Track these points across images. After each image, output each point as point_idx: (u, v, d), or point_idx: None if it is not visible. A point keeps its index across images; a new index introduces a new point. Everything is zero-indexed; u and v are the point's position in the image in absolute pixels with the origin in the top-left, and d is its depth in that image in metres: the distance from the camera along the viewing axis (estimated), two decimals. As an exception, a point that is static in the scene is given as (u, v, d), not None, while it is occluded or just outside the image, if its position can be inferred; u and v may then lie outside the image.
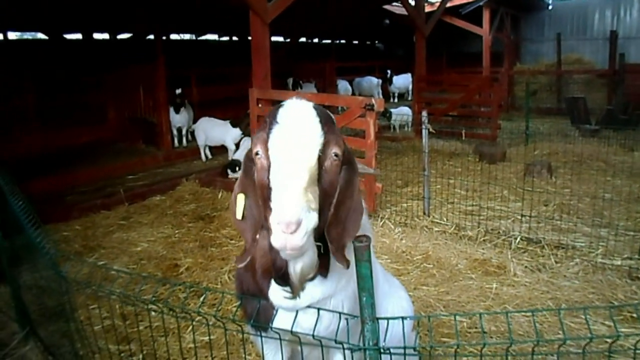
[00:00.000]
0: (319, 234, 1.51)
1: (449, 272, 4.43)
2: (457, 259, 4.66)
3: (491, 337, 3.37)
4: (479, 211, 5.65)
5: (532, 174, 7.15)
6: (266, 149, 1.48)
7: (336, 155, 1.51)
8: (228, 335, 3.38)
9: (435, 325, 3.54)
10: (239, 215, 1.61)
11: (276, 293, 1.69)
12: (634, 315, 3.44)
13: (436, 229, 5.38)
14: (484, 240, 5.05)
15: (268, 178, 1.45)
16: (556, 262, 4.53)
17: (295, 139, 1.44)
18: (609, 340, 2.96)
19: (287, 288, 1.63)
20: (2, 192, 3.13)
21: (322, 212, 1.48)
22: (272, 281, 1.69)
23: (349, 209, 1.56)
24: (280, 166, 1.43)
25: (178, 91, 9.23)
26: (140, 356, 3.23)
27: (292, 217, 1.34)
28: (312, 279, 1.60)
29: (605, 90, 14.52)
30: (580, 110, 11.71)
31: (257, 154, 1.52)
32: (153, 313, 3.63)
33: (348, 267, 1.49)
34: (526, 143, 9.67)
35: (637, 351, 1.34)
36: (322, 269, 1.66)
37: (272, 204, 1.40)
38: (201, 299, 3.86)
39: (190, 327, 3.47)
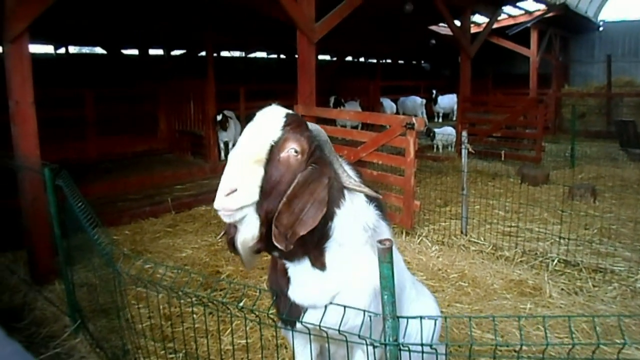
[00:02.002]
0: (267, 217, 1.73)
1: (483, 291, 4.45)
2: (492, 278, 4.68)
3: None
4: (517, 232, 5.64)
5: (575, 197, 7.07)
6: None
7: (295, 151, 1.74)
8: (264, 339, 3.54)
9: (463, 338, 3.59)
10: None
11: (294, 291, 1.90)
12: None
13: (473, 249, 5.41)
14: (520, 261, 5.05)
15: None
16: (594, 286, 4.49)
17: (252, 130, 1.77)
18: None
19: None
20: (63, 194, 3.40)
21: (270, 195, 1.72)
22: (290, 281, 1.92)
23: (306, 203, 1.73)
24: (235, 148, 1.75)
25: (219, 117, 9.54)
26: (181, 354, 3.41)
27: (226, 183, 1.66)
28: (257, 251, 1.81)
29: (658, 114, 14.10)
30: (630, 134, 11.44)
31: None
32: (195, 315, 3.84)
33: (286, 249, 1.69)
34: (571, 166, 9.54)
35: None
36: (318, 263, 1.87)
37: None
38: (241, 302, 4.03)
39: (229, 330, 3.64)
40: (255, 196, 1.69)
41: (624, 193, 7.25)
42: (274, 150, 1.72)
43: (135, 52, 14.09)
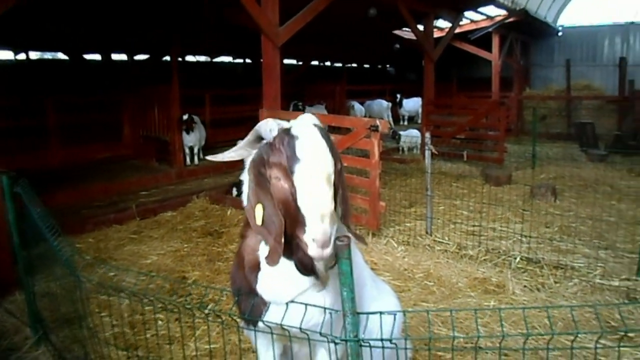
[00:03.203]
0: None
1: (448, 290, 4.53)
2: (457, 277, 4.76)
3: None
4: (480, 231, 5.75)
5: (537, 196, 7.26)
6: (287, 176, 1.73)
7: (340, 168, 1.82)
8: (230, 344, 3.52)
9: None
10: (258, 222, 1.84)
11: (263, 287, 1.91)
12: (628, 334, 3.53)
13: (438, 248, 5.49)
14: (484, 259, 5.16)
15: (294, 201, 1.71)
16: (555, 282, 4.61)
17: (320, 177, 1.70)
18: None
19: (314, 279, 1.86)
20: (22, 202, 3.33)
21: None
22: (259, 276, 1.91)
23: (347, 193, 1.89)
24: (311, 198, 1.69)
25: (185, 117, 9.49)
26: (147, 362, 3.37)
27: (327, 238, 1.64)
28: (333, 266, 1.81)
29: (615, 116, 14.58)
30: (589, 135, 11.83)
31: (277, 177, 1.76)
32: (159, 322, 3.79)
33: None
34: (533, 166, 9.78)
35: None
36: None
37: (307, 226, 1.68)
38: (207, 308, 4.00)
39: (194, 336, 3.60)
40: (337, 226, 1.74)
41: (583, 192, 7.48)
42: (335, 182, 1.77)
43: (98, 57, 13.85)
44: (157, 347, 3.44)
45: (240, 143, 1.97)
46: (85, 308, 2.85)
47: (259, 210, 1.82)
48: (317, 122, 1.86)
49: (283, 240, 1.74)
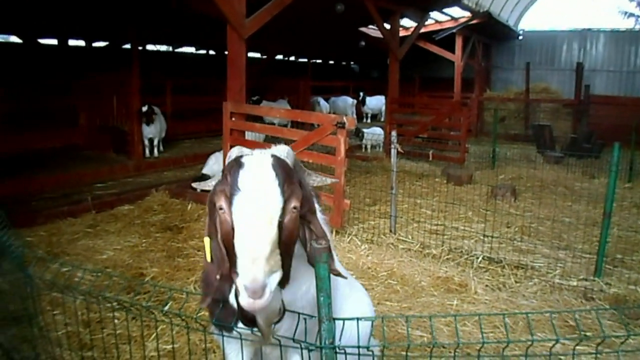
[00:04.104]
0: (283, 279, 1.59)
1: (412, 289, 4.52)
2: (420, 276, 4.76)
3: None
4: (443, 231, 5.79)
5: (497, 196, 7.36)
6: (229, 207, 1.56)
7: (295, 208, 1.60)
8: (191, 344, 3.40)
9: (393, 336, 3.62)
10: (208, 258, 1.70)
11: (235, 299, 1.76)
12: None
13: (401, 247, 5.49)
14: (447, 258, 5.19)
15: (232, 237, 1.54)
16: (516, 282, 4.67)
17: (254, 211, 1.52)
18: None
19: (257, 331, 1.71)
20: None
21: (284, 261, 1.57)
22: (233, 286, 1.75)
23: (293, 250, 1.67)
24: (244, 237, 1.50)
25: (144, 108, 9.22)
26: (102, 363, 3.21)
27: (257, 286, 1.44)
28: (278, 321, 1.67)
29: (571, 119, 15.03)
30: (546, 138, 12.11)
31: (220, 208, 1.60)
32: (116, 321, 3.63)
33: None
34: (493, 167, 9.95)
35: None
36: (285, 281, 1.73)
37: (238, 268, 1.49)
38: (166, 306, 3.86)
39: (154, 335, 3.46)
40: (279, 276, 1.52)
41: (542, 193, 7.63)
42: (281, 222, 1.55)
43: (54, 42, 13.32)
44: (113, 346, 3.29)
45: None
46: (36, 306, 2.68)
47: (206, 245, 1.70)
48: (284, 155, 1.69)
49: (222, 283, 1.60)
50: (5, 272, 3.13)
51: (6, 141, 8.27)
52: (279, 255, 1.52)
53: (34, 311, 2.71)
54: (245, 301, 1.46)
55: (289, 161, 1.70)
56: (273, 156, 1.65)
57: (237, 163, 1.61)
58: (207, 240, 1.69)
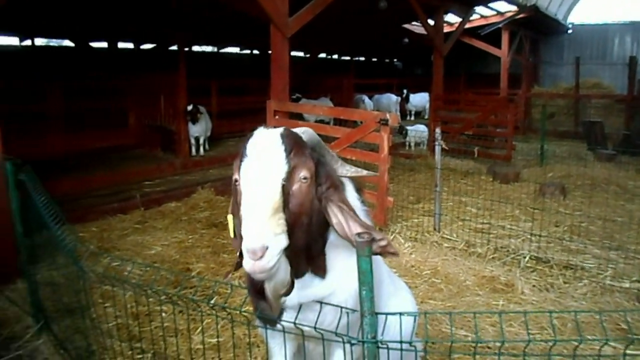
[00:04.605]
0: (294, 252, 1.62)
1: (456, 288, 4.45)
2: (465, 275, 4.69)
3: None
4: (489, 229, 5.67)
5: (545, 194, 7.16)
6: (239, 176, 1.62)
7: (305, 178, 1.62)
8: (235, 337, 3.46)
9: (436, 335, 3.57)
10: (231, 234, 1.74)
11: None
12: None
13: (446, 245, 5.42)
14: (492, 257, 5.08)
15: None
16: (564, 283, 4.53)
17: (257, 172, 1.57)
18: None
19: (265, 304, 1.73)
20: (26, 190, 3.26)
21: (294, 232, 1.59)
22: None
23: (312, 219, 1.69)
24: (246, 197, 1.55)
25: (189, 107, 9.41)
26: (149, 354, 3.31)
27: (256, 245, 1.45)
28: (286, 294, 1.68)
29: (623, 116, 14.43)
30: (597, 135, 11.69)
31: (235, 181, 1.66)
32: (164, 314, 3.73)
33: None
34: (541, 165, 9.69)
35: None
36: (320, 271, 1.79)
37: (242, 232, 1.52)
38: (212, 300, 3.94)
39: (200, 329, 3.54)
40: (284, 242, 1.53)
41: (593, 191, 7.38)
42: (286, 187, 1.58)
43: (104, 45, 13.77)
44: (161, 339, 3.38)
45: None
46: (88, 298, 2.79)
47: (230, 222, 1.73)
48: (300, 132, 1.73)
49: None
50: (60, 265, 3.28)
51: (61, 141, 8.64)
52: (283, 220, 1.54)
53: (86, 303, 2.82)
54: (247, 263, 1.47)
55: (305, 137, 1.73)
56: (285, 129, 1.69)
57: (250, 135, 1.67)
58: (230, 217, 1.73)
